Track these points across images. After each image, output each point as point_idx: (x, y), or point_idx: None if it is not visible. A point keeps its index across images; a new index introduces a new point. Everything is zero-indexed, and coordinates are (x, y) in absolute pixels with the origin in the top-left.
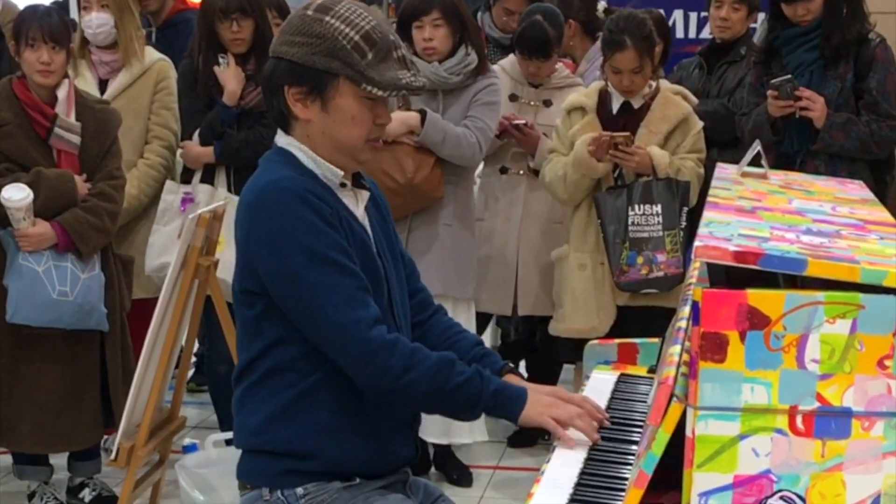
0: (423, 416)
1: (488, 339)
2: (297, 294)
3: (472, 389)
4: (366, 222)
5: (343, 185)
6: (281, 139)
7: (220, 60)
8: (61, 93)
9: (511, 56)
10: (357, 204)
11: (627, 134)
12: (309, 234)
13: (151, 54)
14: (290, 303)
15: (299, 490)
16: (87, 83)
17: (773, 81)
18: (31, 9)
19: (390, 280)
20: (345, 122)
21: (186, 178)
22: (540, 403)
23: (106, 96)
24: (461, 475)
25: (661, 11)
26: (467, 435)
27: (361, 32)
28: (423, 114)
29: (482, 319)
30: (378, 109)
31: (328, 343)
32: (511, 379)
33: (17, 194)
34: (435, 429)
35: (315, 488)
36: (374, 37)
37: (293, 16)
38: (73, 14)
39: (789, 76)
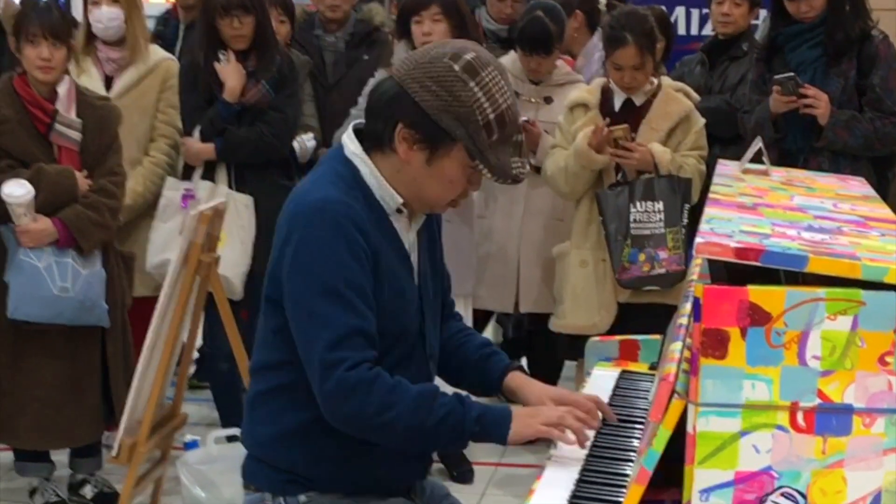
0: None
1: (489, 337)
2: (299, 319)
3: (454, 420)
4: (413, 249)
5: (399, 210)
6: (351, 148)
7: (221, 57)
8: (62, 89)
9: (511, 53)
10: (409, 229)
11: (625, 126)
12: (331, 266)
13: (157, 52)
14: (293, 325)
15: (301, 497)
16: (93, 80)
17: (776, 78)
18: (32, 4)
19: (425, 305)
20: (440, 182)
21: (187, 174)
22: (524, 416)
23: (112, 93)
24: (462, 473)
25: (663, 8)
26: None
27: (497, 112)
28: None
29: (483, 317)
30: (474, 178)
31: (311, 374)
32: (517, 378)
33: (18, 190)
34: None
35: (316, 496)
36: (506, 119)
37: (436, 58)
38: (78, 10)
39: (792, 73)
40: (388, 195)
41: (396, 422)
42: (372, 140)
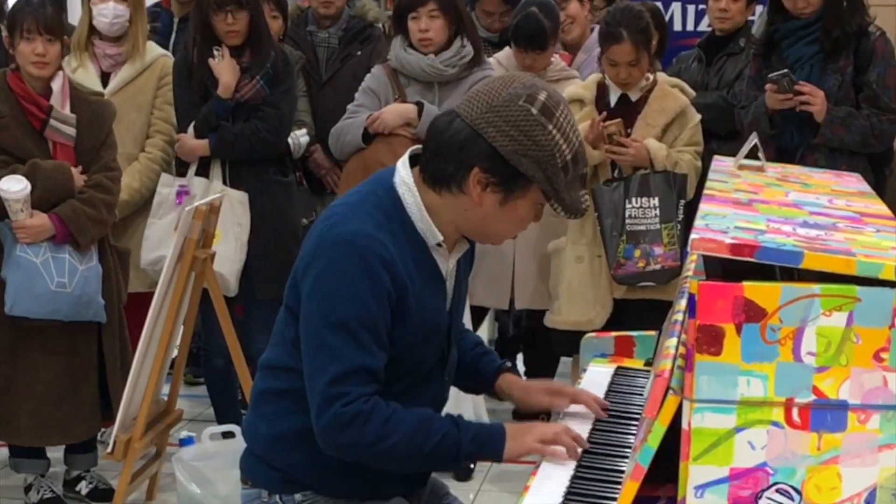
0: None
1: (485, 333)
2: (309, 345)
3: (450, 442)
4: (451, 277)
5: (439, 245)
6: (403, 175)
7: (215, 53)
8: (56, 85)
9: (507, 49)
10: (449, 258)
11: (619, 121)
12: (349, 301)
13: (154, 49)
14: (304, 346)
15: (297, 496)
16: (90, 75)
17: (771, 76)
18: (26, 0)
19: (453, 331)
20: (512, 221)
21: (182, 171)
22: (519, 433)
23: (109, 89)
24: (463, 469)
25: (658, 4)
26: None
27: (573, 152)
28: (419, 106)
29: (479, 314)
30: (539, 212)
31: (312, 401)
32: (508, 379)
33: (15, 186)
34: None
35: (312, 495)
36: (579, 157)
37: (512, 100)
38: (75, 9)
39: (786, 70)
40: (429, 231)
41: (393, 450)
42: (437, 181)
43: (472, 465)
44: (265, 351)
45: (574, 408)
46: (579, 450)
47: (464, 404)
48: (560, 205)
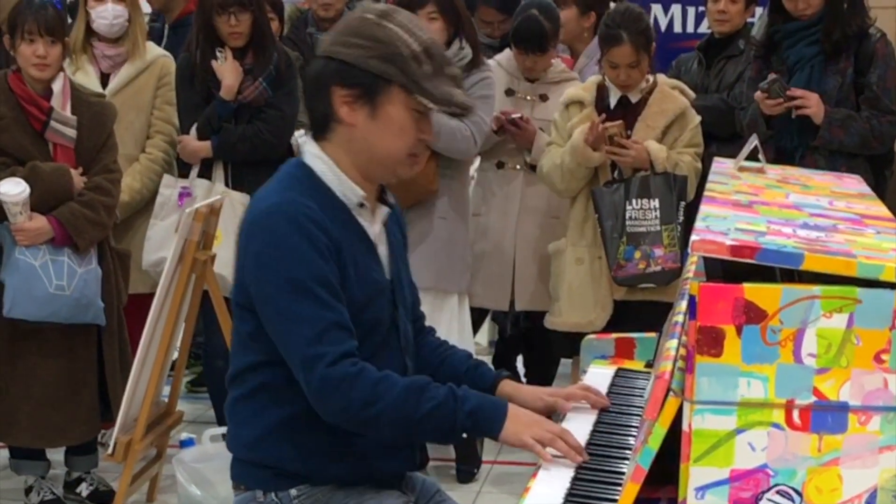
0: None
1: (485, 335)
2: (274, 321)
3: (444, 413)
4: (382, 241)
5: (361, 205)
6: (308, 149)
7: (218, 54)
8: (56, 86)
9: (507, 51)
10: (373, 222)
11: (620, 123)
12: (295, 263)
13: (153, 50)
14: (269, 327)
15: (293, 492)
16: (89, 77)
17: (761, 85)
18: (27, 2)
19: (398, 297)
20: (391, 132)
21: (184, 172)
22: (521, 422)
23: (109, 90)
24: (461, 470)
25: (658, 6)
26: None
27: (422, 44)
28: None
29: (478, 315)
30: (423, 124)
31: (296, 374)
32: (506, 387)
33: (14, 188)
34: None
35: (308, 489)
36: (432, 51)
37: (351, 17)
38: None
39: (776, 76)
40: (348, 189)
41: (382, 415)
42: (319, 125)
43: (474, 470)
44: (230, 365)
45: (574, 411)
46: (578, 457)
47: None
48: (425, 97)
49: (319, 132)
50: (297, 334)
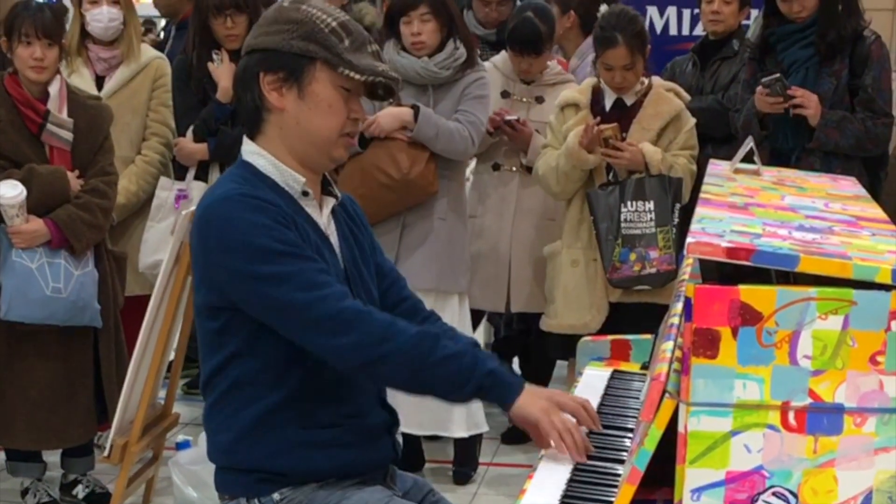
0: (415, 408)
1: (481, 336)
2: (259, 292)
3: (461, 364)
4: (331, 230)
5: (305, 193)
6: (245, 148)
7: (214, 57)
8: (53, 89)
9: (503, 53)
10: (320, 213)
11: (615, 125)
12: (258, 233)
13: (148, 51)
14: (256, 303)
15: (275, 496)
16: (85, 80)
17: (763, 80)
18: (24, 4)
19: (353, 287)
20: (321, 111)
21: (180, 174)
22: (537, 400)
23: (104, 93)
24: (458, 472)
25: (654, 8)
26: (463, 428)
27: (338, 21)
28: (415, 109)
29: (474, 317)
30: (352, 103)
31: (300, 328)
32: None
33: (10, 191)
34: (428, 419)
35: (290, 492)
36: (350, 27)
37: (267, 11)
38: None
39: (778, 75)
40: (290, 178)
41: (396, 354)
42: (252, 121)
43: (471, 473)
44: (200, 375)
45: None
46: (580, 456)
47: (456, 409)
48: (350, 69)
49: (254, 129)
50: (287, 289)
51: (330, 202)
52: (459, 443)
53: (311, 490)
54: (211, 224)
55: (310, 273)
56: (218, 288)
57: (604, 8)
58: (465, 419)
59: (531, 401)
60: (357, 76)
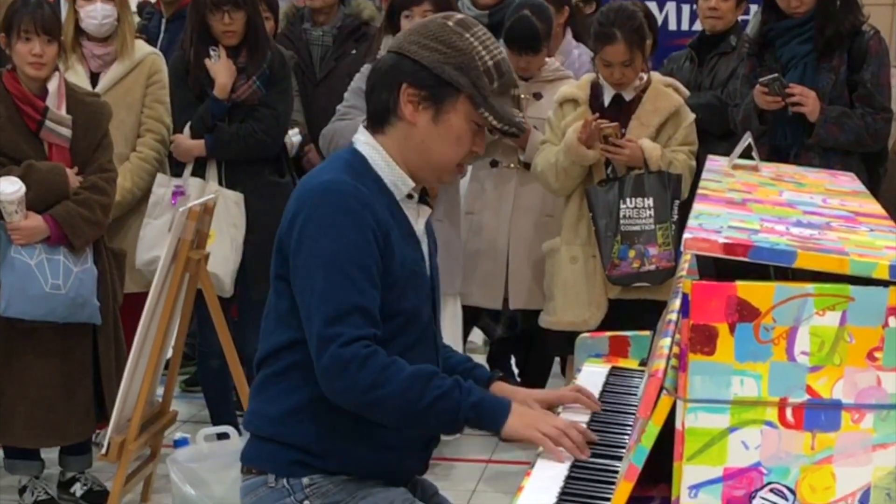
0: None
1: (479, 334)
2: (302, 293)
3: (449, 404)
4: (423, 239)
5: (410, 196)
6: (360, 137)
7: (212, 53)
8: (52, 85)
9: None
10: (417, 219)
11: (615, 125)
12: (335, 241)
13: (142, 47)
14: (298, 298)
15: (305, 480)
16: (79, 76)
17: (761, 79)
18: (23, 1)
19: (436, 295)
20: (449, 139)
21: (177, 171)
22: (525, 417)
23: (98, 89)
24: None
25: (653, 3)
26: None
27: (495, 60)
28: None
29: (472, 314)
30: (478, 138)
31: (310, 348)
32: (501, 387)
33: (9, 187)
34: None
35: (320, 479)
36: (503, 68)
37: (430, 21)
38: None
39: (777, 74)
40: (399, 180)
41: (387, 400)
42: (378, 117)
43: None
44: (260, 346)
45: (567, 411)
46: (584, 453)
47: None
48: (490, 112)
49: (376, 124)
50: (321, 311)
51: (426, 212)
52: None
53: (340, 481)
54: (308, 205)
55: (347, 306)
56: (286, 263)
57: None
58: None
59: (518, 421)
60: (494, 122)
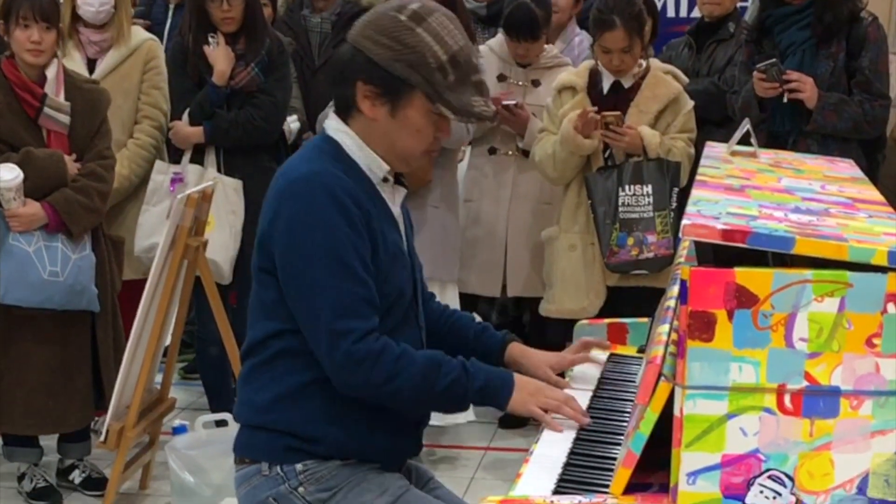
0: None
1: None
2: (301, 288)
3: (458, 389)
4: (400, 220)
5: (385, 179)
6: (332, 124)
7: (210, 40)
8: (50, 72)
9: (499, 36)
10: (394, 201)
11: (618, 113)
12: (329, 233)
13: (139, 34)
14: (293, 294)
15: (298, 466)
16: (76, 63)
17: (759, 65)
18: None
19: (416, 275)
20: (409, 132)
21: (176, 158)
22: (526, 391)
23: (95, 76)
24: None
25: None
26: (471, 414)
27: (449, 54)
28: None
29: (470, 301)
30: (442, 124)
31: (317, 344)
32: (514, 349)
33: (7, 174)
34: None
35: (314, 465)
36: (459, 59)
37: (383, 13)
38: None
39: (774, 60)
40: (373, 163)
41: (404, 391)
42: (342, 108)
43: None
44: (248, 335)
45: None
46: (584, 419)
47: None
48: (445, 107)
49: (343, 113)
50: (325, 305)
51: (402, 193)
52: None
53: (334, 467)
54: (289, 201)
55: (353, 298)
56: (272, 256)
57: None
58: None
59: (521, 396)
60: (451, 115)
